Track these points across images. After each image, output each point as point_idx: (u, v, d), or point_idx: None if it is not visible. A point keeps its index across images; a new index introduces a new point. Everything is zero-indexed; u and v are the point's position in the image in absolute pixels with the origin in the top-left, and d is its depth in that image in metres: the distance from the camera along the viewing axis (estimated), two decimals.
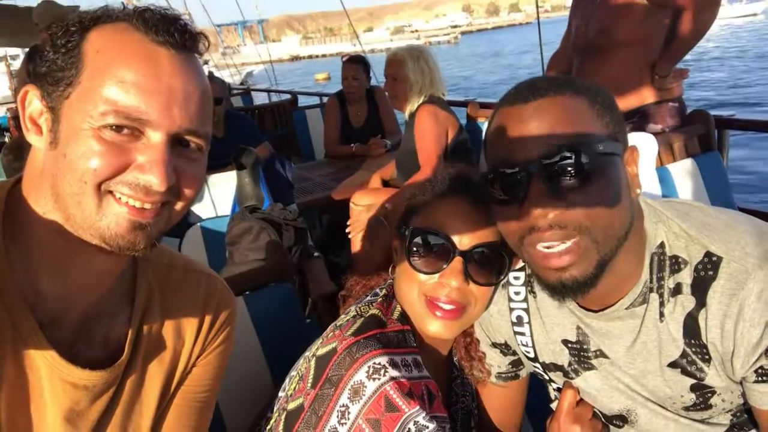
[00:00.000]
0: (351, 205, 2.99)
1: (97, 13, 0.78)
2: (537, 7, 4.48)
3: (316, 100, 6.27)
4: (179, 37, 0.77)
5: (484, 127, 3.56)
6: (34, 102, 0.78)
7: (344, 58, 4.46)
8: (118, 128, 0.74)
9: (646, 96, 2.65)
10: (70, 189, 0.75)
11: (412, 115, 2.90)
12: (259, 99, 8.25)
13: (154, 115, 0.75)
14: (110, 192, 0.76)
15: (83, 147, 0.74)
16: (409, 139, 2.90)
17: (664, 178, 2.25)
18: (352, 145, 4.30)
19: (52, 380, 0.82)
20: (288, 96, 6.93)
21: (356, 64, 4.38)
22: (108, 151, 0.74)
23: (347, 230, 2.93)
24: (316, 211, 3.81)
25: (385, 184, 3.25)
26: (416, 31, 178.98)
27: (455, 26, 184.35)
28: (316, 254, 2.65)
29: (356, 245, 3.02)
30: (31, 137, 0.78)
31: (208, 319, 1.02)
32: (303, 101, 6.60)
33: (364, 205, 2.90)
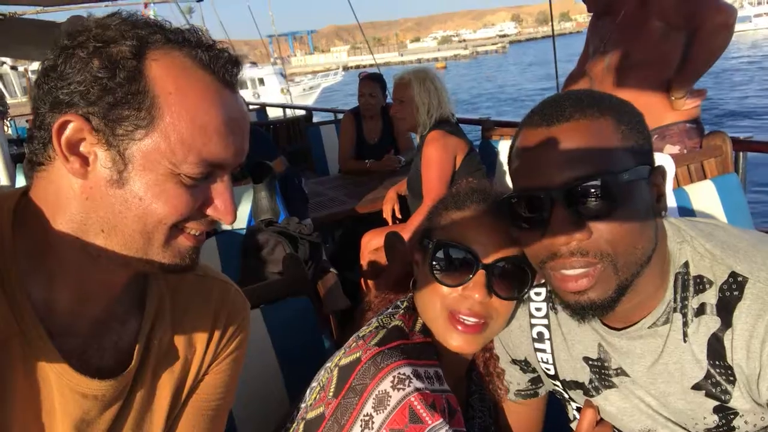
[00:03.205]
0: (362, 245, 3.15)
1: (136, 29, 0.75)
2: (552, 23, 4.47)
3: (330, 116, 6.34)
4: (236, 76, 0.81)
5: (499, 145, 3.58)
6: (73, 131, 0.73)
7: (361, 75, 4.51)
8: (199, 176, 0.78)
9: (663, 116, 2.65)
10: (143, 228, 0.77)
11: (423, 137, 2.94)
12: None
13: (231, 159, 0.80)
14: (180, 228, 0.80)
15: (165, 193, 0.76)
16: (419, 161, 2.94)
17: (682, 199, 2.24)
18: (367, 161, 4.33)
19: (62, 390, 0.81)
20: (303, 112, 6.99)
21: (373, 81, 4.43)
22: (190, 198, 0.78)
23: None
24: (328, 226, 3.83)
25: (401, 198, 3.28)
26: (464, 40, 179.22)
27: (504, 35, 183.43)
28: (330, 269, 2.65)
29: (368, 263, 3.07)
30: (72, 168, 0.74)
31: (220, 325, 1.01)
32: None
33: (373, 249, 3.04)
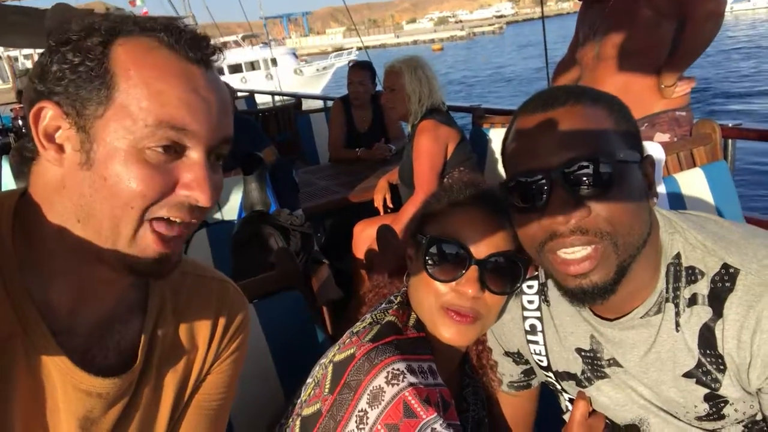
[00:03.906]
0: (355, 235, 3.13)
1: (113, 23, 0.77)
2: (542, 12, 4.37)
3: (320, 104, 6.29)
4: (206, 54, 0.80)
5: (490, 133, 3.57)
6: (50, 119, 0.75)
7: (351, 64, 4.48)
8: (163, 147, 0.75)
9: (653, 105, 2.66)
10: (110, 212, 0.75)
11: (414, 127, 2.93)
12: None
13: (197, 127, 0.76)
14: (150, 220, 0.77)
15: (128, 171, 0.73)
16: (411, 151, 2.93)
17: (671, 187, 2.25)
18: (357, 149, 4.31)
19: (65, 388, 0.81)
20: (292, 99, 6.93)
21: (363, 69, 4.40)
22: (154, 174, 0.75)
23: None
24: (319, 216, 3.81)
25: (393, 187, 3.27)
26: (460, 21, 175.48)
27: (500, 16, 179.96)
28: (322, 260, 2.65)
29: (359, 254, 3.07)
30: (49, 155, 0.75)
31: (221, 325, 1.01)
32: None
33: (366, 238, 3.03)
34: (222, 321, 1.01)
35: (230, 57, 29.79)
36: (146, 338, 0.90)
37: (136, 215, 0.75)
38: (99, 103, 0.74)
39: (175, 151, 0.76)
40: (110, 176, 0.73)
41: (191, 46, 0.78)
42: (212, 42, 0.82)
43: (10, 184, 3.26)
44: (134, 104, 0.73)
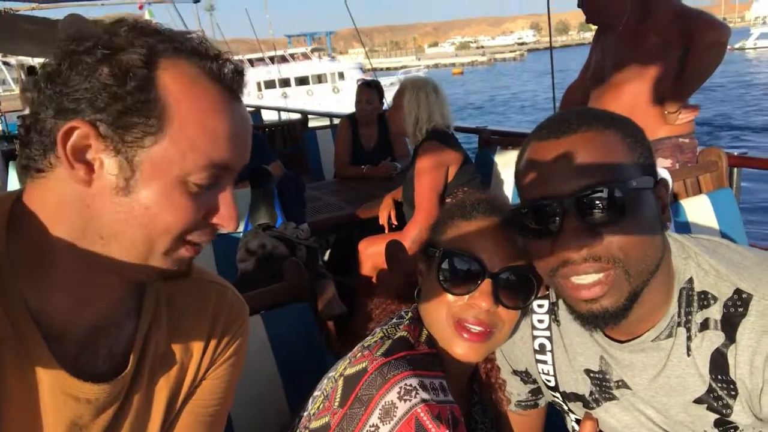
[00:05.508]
0: (360, 252, 3.15)
1: (146, 38, 0.75)
2: (550, 30, 4.34)
3: (326, 121, 6.34)
4: (242, 87, 0.82)
5: (496, 155, 3.59)
6: (79, 137, 0.72)
7: (359, 82, 4.53)
8: (207, 183, 0.78)
9: (656, 130, 2.68)
10: (147, 236, 0.76)
11: (417, 147, 2.96)
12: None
13: (237, 164, 0.81)
14: (184, 240, 0.80)
15: (171, 202, 0.75)
16: (413, 171, 2.96)
17: (678, 213, 2.26)
18: (363, 166, 4.33)
19: (54, 393, 0.80)
20: (298, 116, 6.98)
21: (371, 88, 4.46)
22: (195, 207, 0.78)
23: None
24: (324, 232, 3.81)
25: (398, 204, 3.29)
26: (481, 47, 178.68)
27: (522, 43, 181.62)
28: (326, 275, 2.65)
29: (364, 270, 3.07)
30: (77, 176, 0.73)
31: (217, 329, 1.00)
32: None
33: (371, 256, 3.06)
34: (218, 325, 1.00)
35: (298, 69, 29.78)
36: (139, 344, 0.89)
37: (172, 239, 0.78)
38: (146, 133, 0.73)
39: (216, 182, 0.80)
40: (153, 206, 0.75)
41: (233, 79, 0.80)
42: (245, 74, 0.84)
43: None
44: (186, 141, 0.75)
